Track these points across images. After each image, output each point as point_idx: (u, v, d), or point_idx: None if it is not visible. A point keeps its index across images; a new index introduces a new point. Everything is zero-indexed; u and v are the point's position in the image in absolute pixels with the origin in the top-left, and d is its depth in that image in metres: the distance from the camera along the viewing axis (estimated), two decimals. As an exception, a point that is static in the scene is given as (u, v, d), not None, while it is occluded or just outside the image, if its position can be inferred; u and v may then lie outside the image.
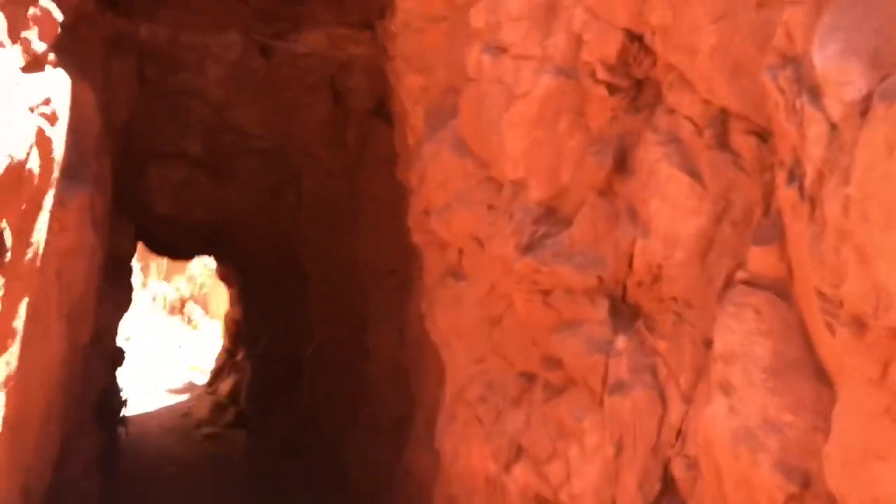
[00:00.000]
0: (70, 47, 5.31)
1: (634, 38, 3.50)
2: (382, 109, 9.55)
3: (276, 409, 12.22)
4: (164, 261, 32.87)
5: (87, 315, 5.94)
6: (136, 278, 33.36)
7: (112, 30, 7.78)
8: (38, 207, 4.11)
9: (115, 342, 8.75)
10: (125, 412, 12.14)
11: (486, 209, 4.16)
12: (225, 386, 17.33)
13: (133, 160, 10.56)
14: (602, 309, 3.69)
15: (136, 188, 10.65)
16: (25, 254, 4.02)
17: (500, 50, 3.93)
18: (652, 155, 3.37)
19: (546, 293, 3.86)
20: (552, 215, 3.85)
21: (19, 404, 4.53)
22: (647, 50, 3.48)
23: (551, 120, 3.80)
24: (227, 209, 11.34)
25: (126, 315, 10.46)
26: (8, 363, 4.17)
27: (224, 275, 18.13)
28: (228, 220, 11.54)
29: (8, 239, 3.51)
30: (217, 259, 14.43)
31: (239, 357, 18.28)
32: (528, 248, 3.86)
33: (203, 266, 28.46)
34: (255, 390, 13.37)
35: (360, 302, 9.59)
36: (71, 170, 4.71)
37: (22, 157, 3.25)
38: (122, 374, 15.53)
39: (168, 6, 8.75)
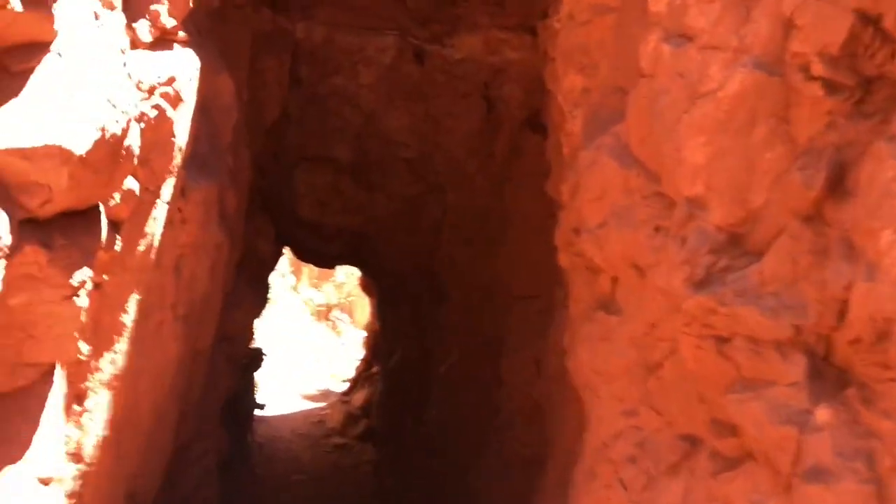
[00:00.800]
0: (215, 33, 5.14)
1: (868, 21, 2.71)
2: (535, 120, 8.98)
3: (404, 426, 11.87)
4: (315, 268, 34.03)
5: (209, 317, 5.73)
6: (287, 282, 34.68)
7: (268, 26, 7.73)
8: (154, 195, 3.85)
9: (248, 344, 8.68)
10: (259, 414, 12.21)
11: (652, 231, 3.45)
12: (359, 397, 17.29)
13: (281, 163, 10.59)
14: (798, 368, 2.89)
15: (282, 191, 10.67)
16: (137, 245, 3.75)
17: (684, 38, 3.24)
18: (885, 173, 2.57)
19: (722, 341, 3.11)
20: (737, 244, 3.11)
21: (126, 407, 4.29)
22: (886, 37, 2.69)
23: (744, 125, 3.07)
24: (370, 217, 11.14)
25: (274, 318, 10.57)
26: (113, 361, 3.92)
27: (366, 285, 18.18)
28: (371, 229, 11.35)
29: (104, 224, 3.21)
30: (359, 268, 14.34)
31: (374, 369, 18.25)
32: (702, 283, 3.13)
33: (350, 274, 29.05)
34: (385, 405, 13.11)
35: (497, 325, 9.02)
36: (199, 159, 4.46)
37: (117, 132, 2.92)
38: (261, 376, 15.89)
39: (325, 4, 8.65)
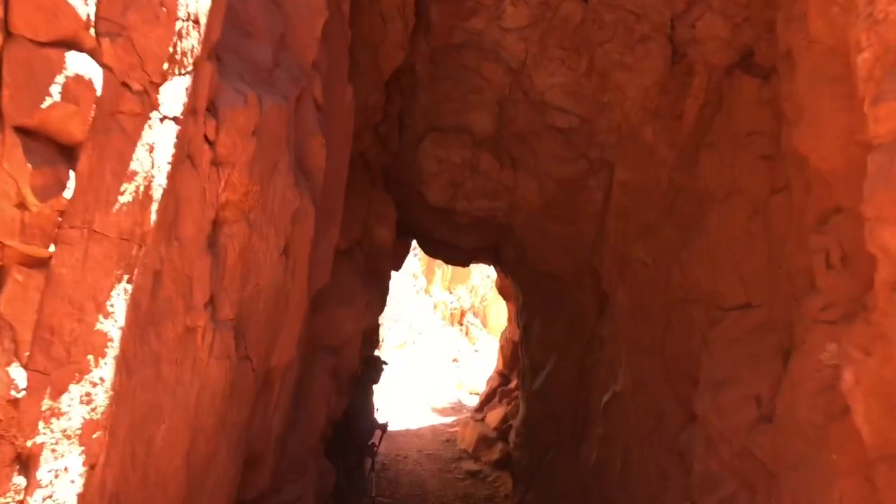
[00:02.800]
0: None
1: None
2: (749, 62, 6.59)
3: (554, 464, 9.68)
4: (449, 269, 32.38)
5: (287, 320, 3.84)
6: (419, 284, 33.25)
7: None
8: (145, 101, 1.97)
9: (359, 354, 6.77)
10: (379, 435, 10.38)
11: None
12: (493, 416, 15.24)
13: (406, 132, 8.70)
14: None
15: (407, 168, 8.79)
16: (115, 190, 1.90)
17: None
18: None
19: None
20: None
21: (127, 468, 2.45)
22: None
23: None
24: (514, 202, 9.06)
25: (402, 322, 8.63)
26: (89, 399, 2.06)
27: (504, 287, 16.10)
28: (515, 217, 9.25)
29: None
30: (497, 267, 12.24)
31: (512, 384, 16.13)
32: None
33: (485, 277, 27.11)
34: (528, 433, 10.95)
35: (688, 345, 6.68)
36: (248, 58, 2.54)
37: None
38: (384, 388, 14.13)
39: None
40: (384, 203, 7.33)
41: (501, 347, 16.99)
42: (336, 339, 6.08)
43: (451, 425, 16.96)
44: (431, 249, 11.16)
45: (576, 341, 9.45)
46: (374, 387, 9.60)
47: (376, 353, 12.02)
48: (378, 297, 6.95)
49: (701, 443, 6.17)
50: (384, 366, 9.45)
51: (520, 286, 10.62)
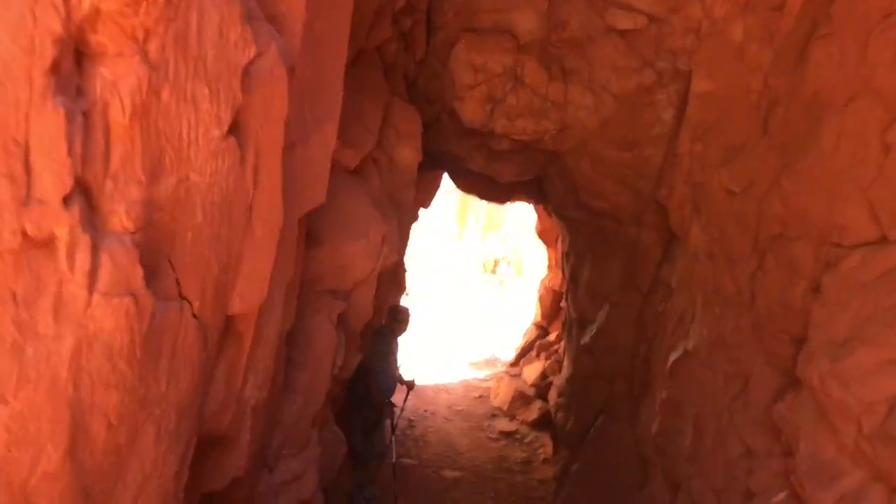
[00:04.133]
0: None
1: None
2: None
3: (604, 429, 8.43)
4: (483, 213, 30.90)
5: (247, 244, 2.58)
6: (452, 230, 31.89)
7: None
8: None
9: (374, 300, 5.42)
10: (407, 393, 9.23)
11: None
12: (531, 371, 14.05)
13: (435, 36, 7.28)
14: None
15: (436, 79, 7.39)
16: None
17: None
18: None
19: None
20: None
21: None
22: None
23: None
24: (563, 123, 7.62)
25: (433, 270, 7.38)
26: None
27: (545, 231, 14.74)
28: (563, 141, 7.83)
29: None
30: (540, 206, 10.78)
31: (552, 337, 14.87)
32: None
33: (523, 224, 25.63)
34: (572, 391, 9.68)
35: (789, 294, 5.30)
36: None
37: None
38: (412, 341, 12.93)
39: None
40: (407, 115, 5.96)
41: (540, 297, 15.69)
42: (343, 280, 4.81)
43: (485, 380, 15.83)
44: (465, 183, 9.80)
45: (633, 290, 8.09)
46: (400, 339, 8.42)
47: (401, 301, 10.83)
48: (399, 231, 5.63)
49: (809, 418, 4.84)
50: (407, 317, 8.23)
51: (567, 227, 9.23)
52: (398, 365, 8.56)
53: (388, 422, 8.65)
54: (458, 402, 14.40)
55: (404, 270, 13.03)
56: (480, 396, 14.82)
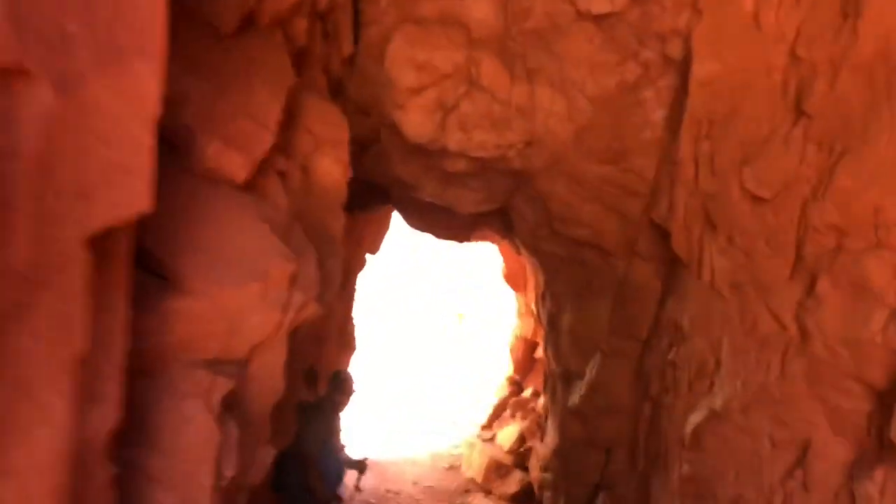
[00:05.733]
0: None
1: None
2: None
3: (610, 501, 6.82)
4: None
5: None
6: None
7: None
8: None
9: (287, 368, 3.77)
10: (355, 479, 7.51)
11: None
12: (507, 435, 12.40)
13: (364, 30, 5.86)
14: None
15: (368, 80, 5.93)
16: None
17: None
18: None
19: None
20: None
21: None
22: None
23: None
24: (531, 135, 6.20)
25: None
26: None
27: (512, 274, 13.24)
28: (533, 158, 6.40)
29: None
30: (506, 241, 9.21)
31: (528, 393, 13.27)
32: None
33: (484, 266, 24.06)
34: (560, 464, 8.03)
35: (863, 330, 3.87)
36: None
37: None
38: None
39: None
40: (329, 117, 4.44)
41: (511, 348, 14.14)
42: (230, 345, 3.24)
43: (455, 446, 14.14)
44: (417, 220, 8.30)
45: (629, 337, 6.59)
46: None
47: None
48: (322, 271, 4.08)
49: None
50: (353, 385, 6.63)
51: (541, 264, 7.74)
52: (343, 445, 6.92)
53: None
54: (426, 476, 12.68)
55: (353, 326, 11.33)
56: (451, 467, 13.12)
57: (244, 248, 3.34)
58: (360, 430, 12.70)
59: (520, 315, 13.96)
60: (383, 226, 9.30)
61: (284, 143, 3.86)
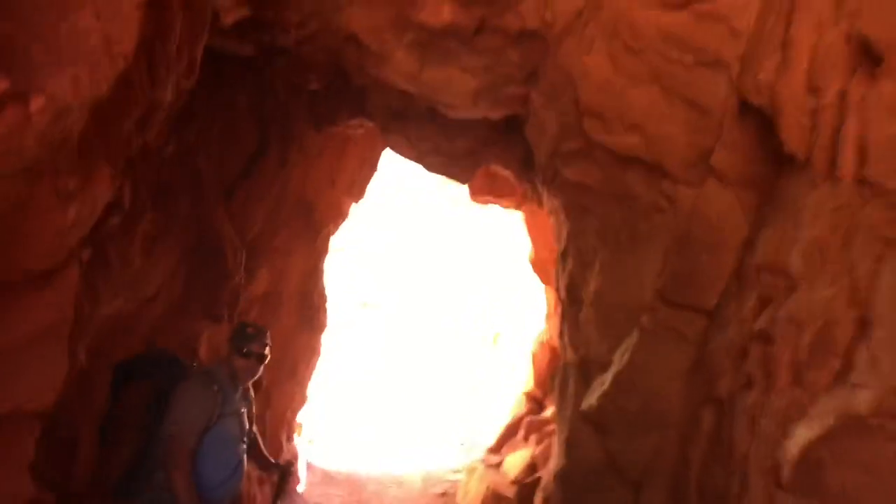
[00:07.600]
0: None
1: None
2: None
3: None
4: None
5: None
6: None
7: None
8: None
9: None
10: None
11: None
12: (515, 461, 9.95)
13: None
14: None
15: None
16: None
17: None
18: None
19: None
20: None
21: None
22: None
23: None
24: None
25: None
26: None
27: (540, 258, 10.80)
28: (557, 6, 4.06)
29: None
30: (524, 176, 6.62)
31: (547, 413, 10.77)
32: None
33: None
34: (569, 495, 5.53)
35: None
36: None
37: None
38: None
39: None
40: None
41: (534, 356, 11.70)
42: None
43: (455, 470, 11.76)
44: (402, 140, 6.01)
45: (688, 304, 4.16)
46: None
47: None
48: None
49: None
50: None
51: (564, 205, 5.31)
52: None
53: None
54: (408, 500, 10.32)
55: (323, 297, 8.84)
56: (444, 494, 10.75)
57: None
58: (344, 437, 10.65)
59: (548, 317, 11.45)
60: (365, 160, 7.02)
61: None
